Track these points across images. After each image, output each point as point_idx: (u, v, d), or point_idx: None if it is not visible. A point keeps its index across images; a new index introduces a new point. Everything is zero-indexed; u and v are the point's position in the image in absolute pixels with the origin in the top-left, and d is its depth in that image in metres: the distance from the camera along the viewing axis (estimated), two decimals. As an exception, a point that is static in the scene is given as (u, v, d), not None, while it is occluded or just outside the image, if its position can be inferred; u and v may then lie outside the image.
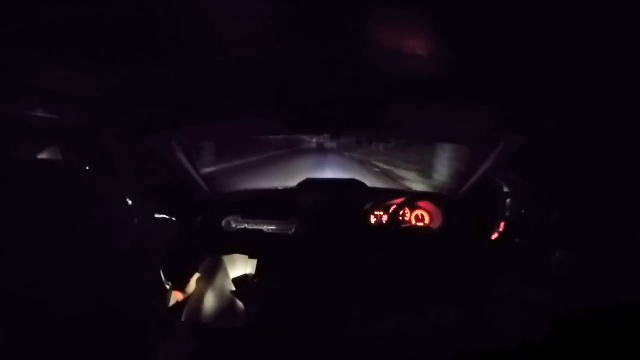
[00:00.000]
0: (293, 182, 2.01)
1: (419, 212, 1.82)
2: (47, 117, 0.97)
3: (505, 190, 1.17)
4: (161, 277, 1.35)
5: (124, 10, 0.59)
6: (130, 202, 1.00)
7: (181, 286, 1.49)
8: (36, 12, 0.57)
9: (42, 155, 1.07)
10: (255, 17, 0.63)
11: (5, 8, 0.55)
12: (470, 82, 0.90)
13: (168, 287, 1.40)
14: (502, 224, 1.19)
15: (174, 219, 1.49)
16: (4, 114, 0.92)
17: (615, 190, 0.91)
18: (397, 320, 0.96)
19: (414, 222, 1.81)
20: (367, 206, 1.78)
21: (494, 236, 1.26)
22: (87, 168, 0.93)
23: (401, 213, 1.80)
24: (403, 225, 1.77)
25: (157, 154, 1.44)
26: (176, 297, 1.44)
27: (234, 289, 1.57)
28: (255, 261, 1.66)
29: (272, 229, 1.81)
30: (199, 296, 1.54)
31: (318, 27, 0.67)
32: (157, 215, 1.38)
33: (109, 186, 0.93)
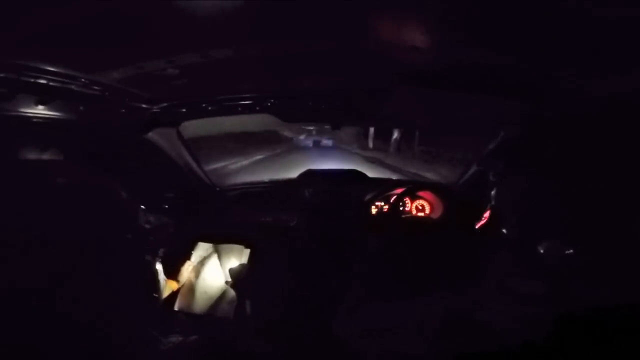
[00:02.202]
0: (294, 174, 2.02)
1: (419, 202, 1.83)
2: (48, 114, 0.98)
3: (495, 178, 1.17)
4: (160, 271, 1.38)
5: (124, 7, 0.59)
6: (131, 197, 1.01)
7: (177, 277, 1.51)
8: (37, 11, 0.58)
9: (43, 153, 1.07)
10: (254, 11, 0.63)
11: (6, 8, 0.55)
12: (470, 74, 0.90)
13: (166, 280, 1.43)
14: (488, 213, 1.20)
15: (171, 209, 1.51)
16: (5, 111, 0.93)
17: (614, 184, 0.92)
18: (395, 312, 0.97)
19: (414, 212, 1.83)
20: (368, 196, 1.79)
21: (480, 224, 1.27)
22: (89, 164, 0.94)
23: (401, 203, 1.81)
24: (403, 216, 1.79)
25: (159, 148, 1.45)
26: (170, 287, 1.47)
27: (227, 279, 1.59)
28: (253, 251, 1.68)
29: (273, 220, 1.82)
30: (192, 287, 1.56)
31: (317, 19, 0.67)
32: (158, 209, 1.39)
33: (111, 181, 0.94)
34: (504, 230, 1.31)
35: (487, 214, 1.33)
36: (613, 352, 0.51)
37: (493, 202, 1.24)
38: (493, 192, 1.22)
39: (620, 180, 0.88)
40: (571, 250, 0.94)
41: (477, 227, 1.42)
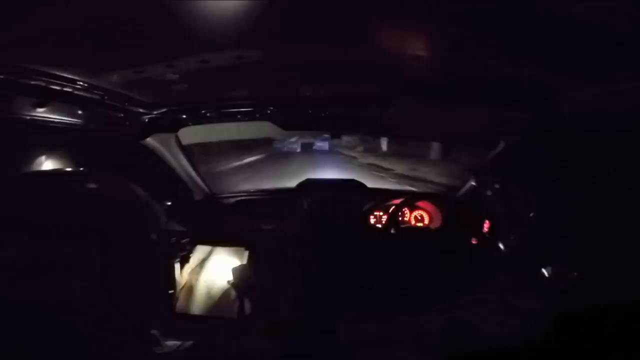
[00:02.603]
0: (293, 182, 2.02)
1: (418, 212, 1.82)
2: (47, 117, 0.97)
3: (495, 189, 1.17)
4: (162, 275, 1.36)
5: (123, 11, 0.59)
6: (129, 202, 1.00)
7: (177, 280, 1.51)
8: (37, 14, 0.57)
9: (41, 156, 1.07)
10: (255, 17, 0.63)
11: (8, 12, 0.55)
12: (471, 83, 0.90)
13: (166, 283, 1.41)
14: (487, 224, 1.20)
15: (172, 218, 1.49)
16: (3, 113, 0.92)
17: (612, 192, 0.91)
18: (394, 322, 0.96)
19: (413, 222, 1.82)
20: (367, 206, 1.79)
21: (481, 236, 1.27)
22: (86, 168, 0.94)
23: (400, 213, 1.80)
24: (402, 226, 1.78)
25: (158, 154, 1.44)
26: (171, 289, 1.46)
27: (228, 282, 1.58)
28: (252, 254, 1.67)
29: (271, 229, 1.81)
30: (193, 289, 1.56)
31: (318, 27, 0.67)
32: (158, 214, 1.37)
33: (108, 186, 0.93)
34: (501, 240, 1.30)
35: (486, 225, 1.31)
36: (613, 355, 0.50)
37: (491, 213, 1.24)
38: (491, 203, 1.22)
39: (621, 192, 0.88)
40: (569, 263, 0.93)
41: (477, 237, 1.41)
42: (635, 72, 0.72)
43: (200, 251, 1.70)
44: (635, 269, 0.78)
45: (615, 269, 0.82)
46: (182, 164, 1.58)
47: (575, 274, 0.92)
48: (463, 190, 1.72)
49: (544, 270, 0.98)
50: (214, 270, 1.65)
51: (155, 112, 1.22)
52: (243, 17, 0.62)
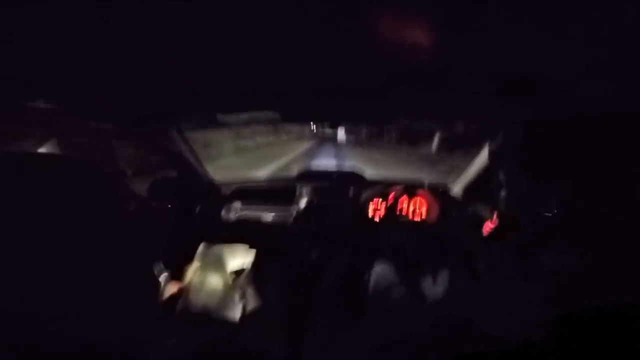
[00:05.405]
0: (294, 172, 2.03)
1: (416, 203, 1.84)
2: (46, 108, 0.97)
3: (499, 181, 1.18)
4: (160, 269, 1.37)
5: (125, 3, 0.59)
6: (131, 193, 1.01)
7: (178, 277, 1.51)
8: (35, 6, 0.57)
9: (41, 148, 1.07)
10: (254, 6, 0.63)
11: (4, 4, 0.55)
12: (469, 74, 0.90)
13: (166, 278, 1.43)
14: (495, 216, 1.20)
15: (172, 208, 1.50)
16: (5, 105, 0.92)
17: (616, 187, 0.92)
18: (392, 314, 0.97)
19: (411, 213, 1.84)
20: (365, 197, 1.80)
21: (487, 230, 1.28)
22: (88, 161, 0.94)
23: (398, 204, 1.82)
24: (400, 217, 1.80)
25: (158, 144, 1.45)
26: (172, 288, 1.47)
27: (230, 280, 1.59)
28: (253, 252, 1.67)
29: (270, 219, 1.83)
30: (195, 288, 1.57)
31: (317, 15, 0.67)
32: (157, 206, 1.39)
33: (111, 178, 0.93)
34: (505, 233, 1.32)
35: (495, 218, 1.33)
36: (613, 354, 0.51)
37: (497, 205, 1.24)
38: (494, 195, 1.23)
39: (621, 182, 0.89)
40: (571, 254, 0.95)
41: (486, 231, 1.42)
42: (636, 64, 0.72)
43: (203, 246, 1.71)
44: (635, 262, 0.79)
45: (616, 261, 0.83)
46: (183, 154, 1.59)
47: (575, 257, 0.93)
48: (461, 180, 1.74)
49: (543, 254, 0.99)
50: (216, 266, 1.65)
51: (156, 104, 1.21)
52: (242, 8, 0.62)
